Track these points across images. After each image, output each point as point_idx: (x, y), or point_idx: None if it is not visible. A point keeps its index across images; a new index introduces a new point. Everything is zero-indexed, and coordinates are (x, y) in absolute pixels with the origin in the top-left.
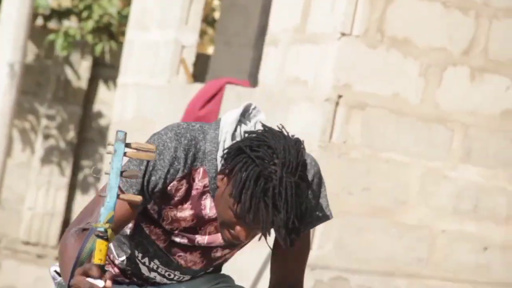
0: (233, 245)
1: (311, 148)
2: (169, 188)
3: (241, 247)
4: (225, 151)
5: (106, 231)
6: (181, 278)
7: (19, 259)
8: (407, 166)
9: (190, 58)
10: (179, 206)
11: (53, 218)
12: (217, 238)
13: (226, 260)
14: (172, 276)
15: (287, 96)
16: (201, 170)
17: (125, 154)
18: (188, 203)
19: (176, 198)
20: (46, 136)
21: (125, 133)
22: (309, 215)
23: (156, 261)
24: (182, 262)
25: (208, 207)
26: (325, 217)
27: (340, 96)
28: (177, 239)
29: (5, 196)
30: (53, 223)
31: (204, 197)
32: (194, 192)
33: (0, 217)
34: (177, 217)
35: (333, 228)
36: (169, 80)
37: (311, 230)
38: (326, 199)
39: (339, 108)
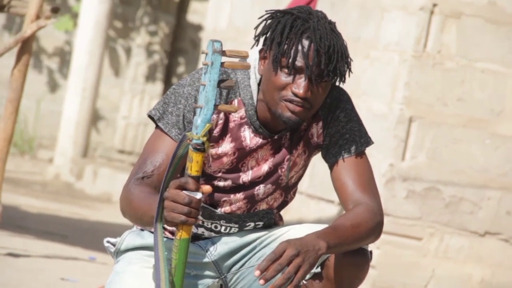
0: (275, 174)
1: (405, 58)
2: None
3: (283, 187)
4: (256, 30)
5: (203, 143)
6: (229, 229)
7: (114, 167)
8: (503, 76)
9: None
10: (220, 141)
11: (147, 128)
12: (260, 171)
13: (271, 209)
14: (219, 228)
15: (381, 4)
16: (235, 101)
17: (222, 64)
18: (228, 136)
19: (215, 134)
20: (140, 46)
21: (221, 44)
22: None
23: (199, 216)
24: (227, 207)
25: (248, 137)
26: (370, 142)
27: (435, 5)
28: (221, 183)
29: (101, 105)
30: (147, 132)
31: (243, 129)
32: (231, 125)
33: (96, 126)
34: (218, 153)
35: (426, 139)
36: None
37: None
38: (364, 127)
39: (434, 17)
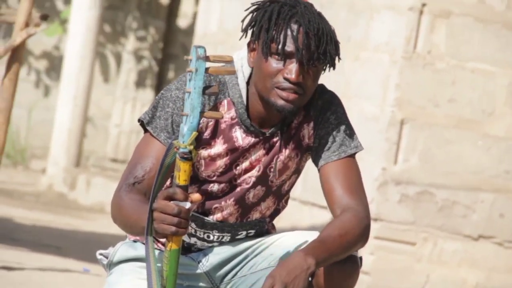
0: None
1: (395, 59)
2: (199, 126)
3: (275, 193)
4: (244, 22)
5: (190, 152)
6: (221, 238)
7: (107, 176)
8: (494, 75)
9: None
10: (212, 143)
11: (139, 135)
12: (253, 173)
13: (264, 218)
14: (211, 237)
15: (370, 5)
16: (225, 102)
17: (206, 70)
18: (220, 137)
19: (207, 136)
20: (131, 51)
21: (205, 50)
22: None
23: (192, 224)
24: (219, 215)
25: (240, 138)
26: (360, 147)
27: (424, 5)
28: (215, 187)
29: (93, 113)
30: (139, 140)
31: (234, 129)
32: (223, 126)
33: (88, 135)
34: (211, 155)
35: (418, 141)
36: None
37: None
38: (354, 131)
39: (423, 17)
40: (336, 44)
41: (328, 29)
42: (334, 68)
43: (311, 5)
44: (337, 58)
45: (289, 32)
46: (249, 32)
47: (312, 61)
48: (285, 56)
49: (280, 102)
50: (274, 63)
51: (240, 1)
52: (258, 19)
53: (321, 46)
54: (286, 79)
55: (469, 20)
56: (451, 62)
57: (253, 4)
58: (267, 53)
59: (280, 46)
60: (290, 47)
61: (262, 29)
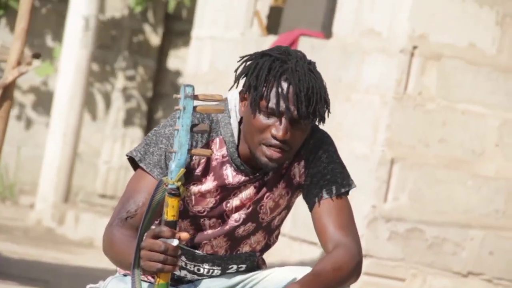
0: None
1: (386, 100)
2: (191, 162)
3: (266, 228)
4: (237, 72)
5: (178, 188)
6: (211, 272)
7: (96, 212)
8: (484, 117)
9: (264, 10)
10: (203, 180)
11: (128, 172)
12: (244, 210)
13: (254, 252)
14: (201, 270)
15: (361, 47)
16: (217, 140)
17: (194, 108)
18: (211, 175)
19: (198, 172)
20: (121, 90)
21: (193, 88)
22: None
23: (182, 257)
24: (209, 248)
25: (230, 176)
26: (352, 185)
27: (415, 47)
28: (206, 221)
29: (82, 150)
30: (128, 176)
31: (225, 167)
32: (214, 163)
33: (77, 171)
34: (201, 191)
35: (408, 180)
36: (243, 33)
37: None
38: (346, 169)
39: (414, 59)
40: (326, 102)
41: (319, 86)
42: (323, 123)
43: (303, 57)
44: (326, 114)
45: (279, 90)
46: (242, 80)
47: (301, 120)
48: (273, 113)
49: (264, 159)
50: (263, 119)
51: (231, 41)
52: (249, 73)
53: (311, 106)
54: (273, 136)
55: (460, 63)
56: (442, 103)
57: (246, 55)
58: (256, 109)
59: (269, 104)
60: (279, 106)
61: (252, 85)
